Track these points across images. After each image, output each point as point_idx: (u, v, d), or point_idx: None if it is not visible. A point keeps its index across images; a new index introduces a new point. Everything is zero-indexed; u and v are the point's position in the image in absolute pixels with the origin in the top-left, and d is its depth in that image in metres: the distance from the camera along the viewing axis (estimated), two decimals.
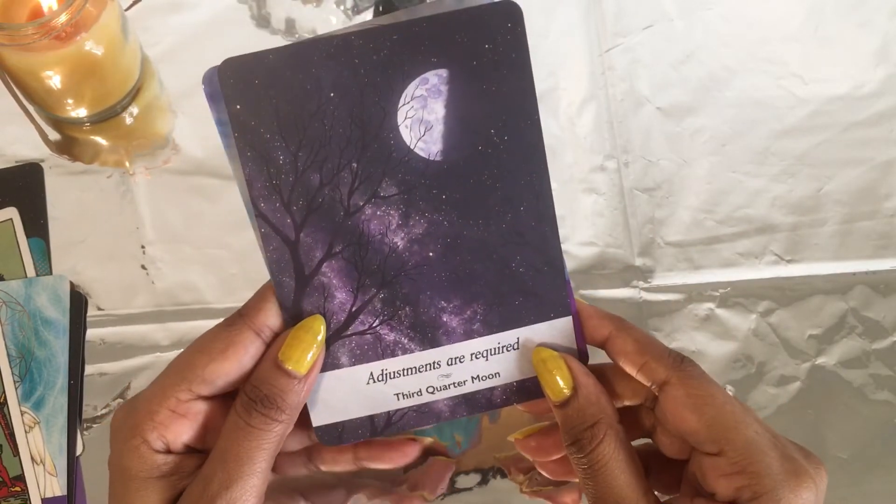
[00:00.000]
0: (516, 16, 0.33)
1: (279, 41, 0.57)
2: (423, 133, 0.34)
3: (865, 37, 0.61)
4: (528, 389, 0.37)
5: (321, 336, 0.34)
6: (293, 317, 0.34)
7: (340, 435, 0.36)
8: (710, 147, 0.58)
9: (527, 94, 0.34)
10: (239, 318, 0.34)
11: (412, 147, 0.34)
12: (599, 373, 0.36)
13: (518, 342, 0.36)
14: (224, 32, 0.58)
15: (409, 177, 0.34)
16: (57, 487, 0.49)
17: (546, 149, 0.35)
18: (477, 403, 0.36)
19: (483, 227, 0.35)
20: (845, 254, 0.57)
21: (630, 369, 0.35)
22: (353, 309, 0.35)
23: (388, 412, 0.36)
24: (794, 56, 0.60)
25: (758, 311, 0.56)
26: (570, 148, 0.58)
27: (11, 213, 0.53)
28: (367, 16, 0.57)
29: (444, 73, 0.34)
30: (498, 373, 0.36)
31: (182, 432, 0.33)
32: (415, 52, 0.33)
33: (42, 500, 0.49)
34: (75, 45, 0.49)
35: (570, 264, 0.56)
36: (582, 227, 0.57)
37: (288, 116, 0.33)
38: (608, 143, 0.58)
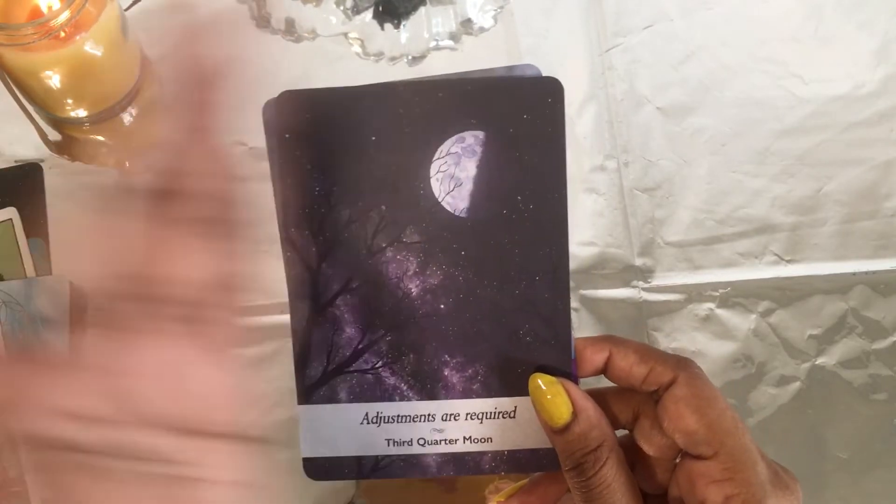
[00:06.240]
0: (557, 92, 0.35)
1: (279, 41, 0.57)
2: (452, 188, 0.35)
3: (865, 37, 0.61)
4: (518, 461, 0.36)
5: None
6: (302, 342, 0.35)
7: (327, 470, 0.36)
8: (710, 147, 0.58)
9: (558, 168, 0.35)
10: None
11: (440, 200, 0.35)
12: (596, 396, 0.35)
13: (515, 411, 0.36)
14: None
15: (432, 228, 0.35)
16: None
17: None
18: (465, 465, 0.36)
19: (497, 289, 0.35)
20: (845, 254, 0.57)
21: (636, 379, 0.34)
22: (360, 346, 0.35)
23: (377, 456, 0.36)
24: (794, 56, 0.60)
25: (758, 311, 0.56)
26: (570, 148, 0.57)
27: (11, 213, 0.53)
28: (367, 16, 0.57)
29: (480, 134, 0.35)
30: (490, 438, 0.36)
31: None
32: (457, 110, 0.34)
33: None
34: (75, 46, 0.49)
35: (569, 264, 0.56)
36: (582, 227, 0.57)
37: (330, 152, 0.34)
38: (608, 143, 0.58)
